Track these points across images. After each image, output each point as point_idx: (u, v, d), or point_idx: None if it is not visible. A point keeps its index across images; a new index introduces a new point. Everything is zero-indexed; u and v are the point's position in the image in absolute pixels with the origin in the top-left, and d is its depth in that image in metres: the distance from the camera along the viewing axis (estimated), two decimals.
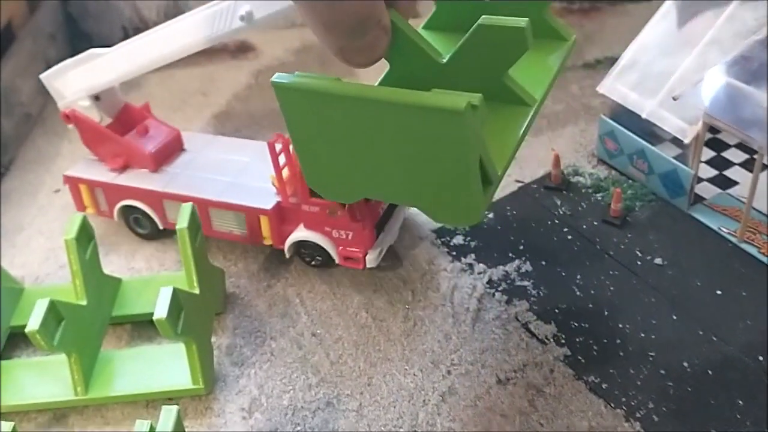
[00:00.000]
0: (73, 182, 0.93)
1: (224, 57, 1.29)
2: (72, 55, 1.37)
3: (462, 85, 0.55)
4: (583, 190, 0.95)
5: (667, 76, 0.90)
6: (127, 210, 0.92)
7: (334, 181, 0.61)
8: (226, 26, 0.81)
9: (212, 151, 0.95)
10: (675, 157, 0.90)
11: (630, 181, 0.96)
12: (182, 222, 0.74)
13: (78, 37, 1.33)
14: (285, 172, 0.83)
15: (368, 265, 0.83)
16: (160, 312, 0.67)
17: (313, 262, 0.87)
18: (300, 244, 0.86)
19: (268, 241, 0.87)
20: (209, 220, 0.88)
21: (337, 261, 0.84)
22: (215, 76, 1.24)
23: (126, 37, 1.34)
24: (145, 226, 0.92)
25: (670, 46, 0.93)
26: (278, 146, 0.81)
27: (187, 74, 1.24)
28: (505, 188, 0.96)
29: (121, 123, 0.94)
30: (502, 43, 0.57)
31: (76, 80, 0.91)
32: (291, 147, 0.80)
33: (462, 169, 0.55)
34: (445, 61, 0.58)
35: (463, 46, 0.57)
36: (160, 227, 0.92)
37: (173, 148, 0.94)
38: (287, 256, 0.87)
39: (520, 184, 0.97)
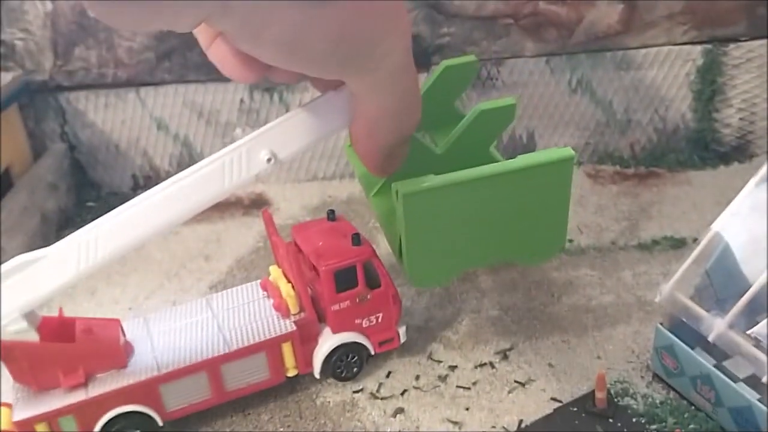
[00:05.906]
0: (28, 425, 0.71)
1: (236, 212, 1.17)
2: (76, 206, 1.25)
3: (454, 167, 0.69)
4: (634, 419, 0.77)
5: (745, 283, 0.73)
6: (109, 424, 0.75)
7: (439, 267, 0.73)
8: (244, 173, 0.68)
9: (161, 326, 0.82)
10: (748, 379, 0.73)
11: (693, 407, 0.78)
12: None
13: (86, 186, 1.24)
14: (287, 290, 0.80)
15: (402, 340, 0.83)
16: None
17: (347, 374, 0.82)
18: (333, 356, 0.80)
19: (292, 372, 0.80)
20: (221, 381, 0.77)
21: (373, 352, 0.82)
22: (222, 235, 1.12)
23: (136, 186, 1.26)
24: None
25: (753, 242, 0.76)
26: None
27: (193, 232, 1.12)
28: (537, 410, 0.79)
29: (42, 337, 0.72)
30: (494, 121, 0.72)
31: (7, 299, 0.68)
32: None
33: (561, 204, 0.72)
34: (440, 151, 0.73)
35: (462, 134, 0.72)
36: (160, 424, 0.77)
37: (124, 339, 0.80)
38: (317, 376, 0.81)
39: (556, 405, 0.80)
